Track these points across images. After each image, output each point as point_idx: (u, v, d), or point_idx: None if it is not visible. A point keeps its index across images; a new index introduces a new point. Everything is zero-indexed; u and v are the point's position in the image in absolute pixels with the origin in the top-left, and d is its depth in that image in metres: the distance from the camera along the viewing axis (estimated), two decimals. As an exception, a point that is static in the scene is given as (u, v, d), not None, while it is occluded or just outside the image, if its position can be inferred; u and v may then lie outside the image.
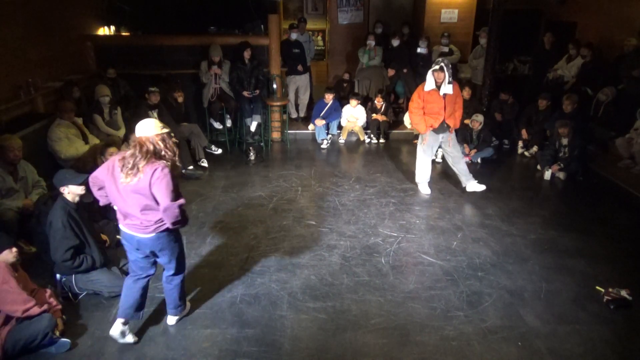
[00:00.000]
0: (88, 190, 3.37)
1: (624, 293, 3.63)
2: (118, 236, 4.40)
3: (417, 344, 3.22)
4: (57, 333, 3.16)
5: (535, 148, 6.86)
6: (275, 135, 7.74)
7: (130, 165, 2.78)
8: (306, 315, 3.49)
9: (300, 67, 7.92)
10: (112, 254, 4.02)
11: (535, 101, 7.02)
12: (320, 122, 7.43)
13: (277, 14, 7.85)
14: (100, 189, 3.04)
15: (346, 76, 8.54)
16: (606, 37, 7.64)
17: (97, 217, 4.59)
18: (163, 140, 2.89)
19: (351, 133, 7.69)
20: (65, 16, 6.78)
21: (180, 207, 2.83)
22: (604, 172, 6.16)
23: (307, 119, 8.15)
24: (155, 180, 2.78)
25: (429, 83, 5.11)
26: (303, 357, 3.11)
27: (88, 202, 3.99)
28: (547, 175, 6.11)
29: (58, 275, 3.60)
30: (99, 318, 3.44)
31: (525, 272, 4.05)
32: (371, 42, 8.17)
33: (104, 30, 8.36)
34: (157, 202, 2.83)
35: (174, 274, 3.24)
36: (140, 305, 3.20)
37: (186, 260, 4.10)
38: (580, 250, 4.40)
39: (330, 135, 7.57)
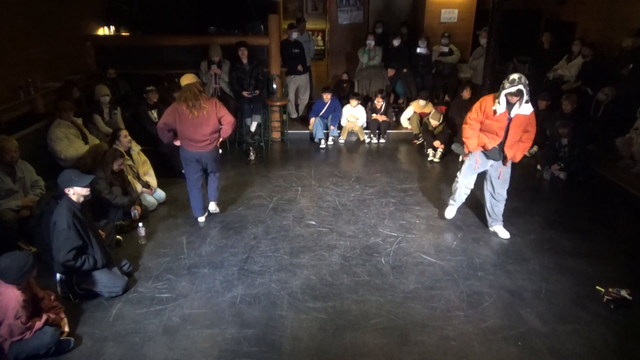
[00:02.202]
0: (92, 190, 3.65)
1: (624, 293, 3.63)
2: (118, 236, 4.43)
3: (417, 344, 3.22)
4: (65, 335, 3.18)
5: (535, 148, 6.86)
6: (275, 135, 7.74)
7: (196, 106, 4.33)
8: (306, 315, 3.49)
9: (300, 67, 7.92)
10: (113, 254, 4.02)
11: (535, 101, 7.01)
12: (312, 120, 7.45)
13: (277, 14, 7.86)
14: (169, 130, 4.53)
15: (345, 76, 8.53)
16: (606, 37, 7.64)
17: (96, 217, 4.58)
18: (201, 84, 4.46)
19: (351, 133, 7.69)
20: (65, 16, 6.78)
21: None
22: (604, 172, 6.16)
23: (307, 119, 8.14)
24: (218, 107, 4.48)
25: (502, 105, 4.09)
26: (303, 357, 3.11)
27: (90, 203, 4.00)
28: (547, 175, 6.11)
29: (58, 275, 3.60)
30: (99, 318, 3.44)
31: (525, 272, 4.05)
32: (371, 42, 8.17)
33: (104, 30, 8.37)
34: (220, 123, 4.52)
35: (216, 173, 4.87)
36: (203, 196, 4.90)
37: (186, 261, 4.18)
38: (580, 250, 4.40)
39: (332, 137, 7.57)
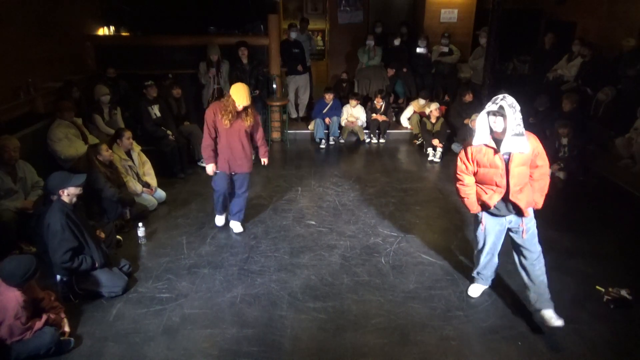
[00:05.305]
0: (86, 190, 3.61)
1: (624, 293, 3.63)
2: (118, 236, 4.43)
3: (417, 344, 3.22)
4: (66, 335, 3.18)
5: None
6: (275, 135, 7.74)
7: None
8: (306, 315, 3.49)
9: (300, 67, 7.92)
10: (113, 254, 4.02)
11: (534, 101, 7.01)
12: (328, 121, 7.45)
13: (277, 14, 7.86)
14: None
15: (344, 76, 8.54)
16: (606, 37, 7.64)
17: (95, 216, 4.58)
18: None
19: (351, 133, 7.69)
20: (65, 16, 6.78)
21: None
22: (604, 172, 6.16)
23: (307, 119, 8.15)
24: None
25: (480, 132, 3.10)
26: (303, 357, 3.11)
27: (84, 202, 3.99)
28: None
29: (58, 276, 3.60)
30: (99, 318, 3.44)
31: (525, 272, 4.04)
32: (371, 42, 8.18)
33: (104, 30, 8.37)
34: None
35: (245, 191, 4.61)
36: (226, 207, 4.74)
37: (186, 261, 4.18)
38: (580, 250, 4.40)
39: (332, 138, 7.57)
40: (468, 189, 3.33)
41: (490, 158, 3.13)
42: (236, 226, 4.71)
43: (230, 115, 4.13)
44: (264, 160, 4.70)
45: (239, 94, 4.08)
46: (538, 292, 3.32)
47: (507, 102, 2.94)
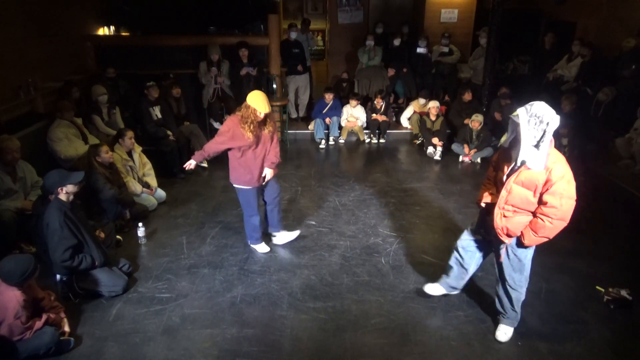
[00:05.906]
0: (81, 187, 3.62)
1: (624, 293, 3.63)
2: (118, 236, 4.42)
3: (417, 344, 3.22)
4: (66, 335, 3.18)
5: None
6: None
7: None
8: (306, 315, 3.49)
9: (300, 67, 7.92)
10: (113, 254, 4.02)
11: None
12: (328, 120, 7.47)
13: (277, 14, 7.86)
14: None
15: (345, 76, 8.54)
16: (606, 37, 7.64)
17: (95, 216, 4.58)
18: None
19: (351, 133, 7.69)
20: (65, 16, 6.78)
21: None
22: (604, 172, 6.16)
23: (307, 119, 8.15)
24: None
25: (508, 133, 2.87)
26: (303, 357, 3.11)
27: (83, 201, 3.99)
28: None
29: (58, 276, 3.60)
30: (99, 318, 3.44)
31: (525, 272, 4.04)
32: (371, 42, 8.18)
33: (104, 30, 8.37)
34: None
35: (279, 193, 4.32)
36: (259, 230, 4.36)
37: (186, 261, 4.17)
38: (580, 250, 4.40)
39: (332, 138, 7.57)
40: (486, 180, 3.18)
41: (503, 161, 2.94)
42: (286, 236, 4.43)
43: (252, 127, 3.79)
44: (268, 172, 4.09)
45: (259, 102, 3.76)
46: (500, 311, 3.28)
47: (530, 111, 2.64)
